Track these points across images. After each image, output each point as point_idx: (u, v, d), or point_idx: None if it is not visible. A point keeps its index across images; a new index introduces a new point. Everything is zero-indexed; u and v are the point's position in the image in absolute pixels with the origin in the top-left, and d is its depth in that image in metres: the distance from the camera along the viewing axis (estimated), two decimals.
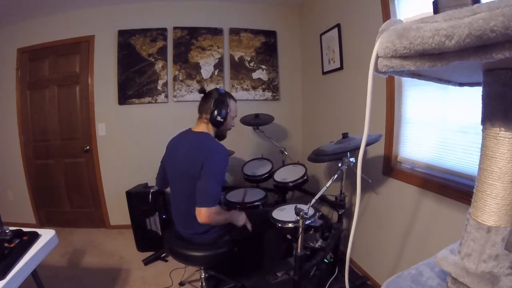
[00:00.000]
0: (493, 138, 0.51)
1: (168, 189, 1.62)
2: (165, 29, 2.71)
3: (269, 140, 2.54)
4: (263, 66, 2.90)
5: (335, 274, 1.79)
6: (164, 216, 2.38)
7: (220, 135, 1.55)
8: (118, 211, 2.79)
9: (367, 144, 1.29)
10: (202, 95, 1.52)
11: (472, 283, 0.53)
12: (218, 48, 2.80)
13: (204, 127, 1.47)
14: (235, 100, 1.56)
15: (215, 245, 1.47)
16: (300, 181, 2.03)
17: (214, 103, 1.43)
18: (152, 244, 2.37)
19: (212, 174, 1.34)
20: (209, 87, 2.79)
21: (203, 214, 1.31)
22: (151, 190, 2.34)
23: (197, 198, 1.33)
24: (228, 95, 1.51)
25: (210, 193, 1.33)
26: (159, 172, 1.66)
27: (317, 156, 1.55)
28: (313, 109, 2.81)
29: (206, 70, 2.80)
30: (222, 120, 1.44)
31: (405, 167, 1.65)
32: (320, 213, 1.61)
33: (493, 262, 0.53)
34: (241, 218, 1.53)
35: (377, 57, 0.50)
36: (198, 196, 1.33)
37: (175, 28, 2.73)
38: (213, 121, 1.44)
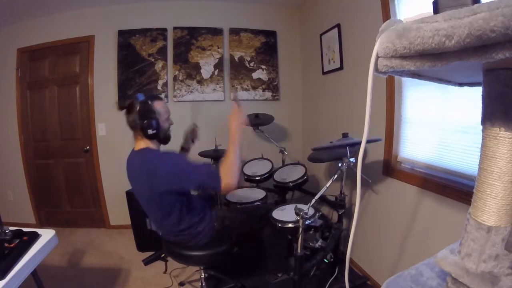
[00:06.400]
0: (493, 138, 0.51)
1: None
2: (165, 29, 2.71)
3: (269, 140, 2.54)
4: (263, 66, 2.89)
5: (335, 274, 1.79)
6: None
7: (164, 139, 1.41)
8: (118, 211, 2.79)
9: (366, 143, 1.29)
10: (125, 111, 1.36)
11: (472, 283, 0.53)
12: (218, 48, 2.80)
13: (143, 143, 1.34)
14: (161, 99, 1.40)
15: (215, 244, 1.47)
16: (300, 181, 2.03)
17: (140, 116, 1.28)
18: (152, 244, 2.36)
19: (185, 173, 1.25)
20: (209, 87, 2.80)
21: (226, 189, 1.23)
22: None
23: (210, 187, 1.28)
24: (150, 98, 1.33)
25: (205, 180, 1.25)
26: None
27: (317, 156, 1.55)
28: (313, 109, 2.81)
29: (206, 70, 2.79)
30: (155, 131, 1.31)
31: (405, 167, 1.65)
32: (320, 213, 1.61)
33: (493, 262, 0.53)
34: (237, 123, 1.32)
35: (377, 57, 0.50)
36: (208, 185, 1.27)
37: (175, 28, 2.73)
38: (148, 136, 1.31)
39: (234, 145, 1.29)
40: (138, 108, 1.29)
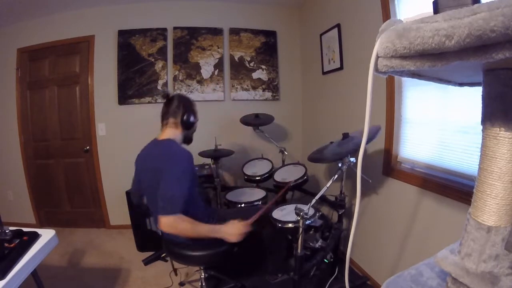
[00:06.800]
0: (493, 138, 0.51)
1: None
2: (165, 29, 2.71)
3: (269, 140, 2.54)
4: (263, 66, 2.89)
5: (335, 274, 1.79)
6: None
7: (189, 139, 1.50)
8: (118, 211, 2.79)
9: (368, 140, 1.29)
10: (165, 100, 1.44)
11: (472, 283, 0.53)
12: (218, 48, 2.80)
13: (171, 133, 1.38)
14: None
15: (215, 244, 1.46)
16: (300, 181, 2.02)
17: (184, 106, 1.40)
18: (152, 244, 2.36)
19: (171, 177, 1.22)
20: (209, 87, 2.80)
21: (162, 223, 1.18)
22: None
23: (158, 207, 1.20)
24: (191, 99, 1.50)
25: (168, 198, 1.19)
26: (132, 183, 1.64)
27: (318, 157, 1.55)
28: (313, 109, 2.81)
29: (206, 70, 2.79)
30: (194, 121, 1.43)
31: (405, 167, 1.65)
32: (320, 213, 1.61)
33: (493, 262, 0.53)
34: (233, 232, 1.29)
35: (377, 57, 0.50)
36: (158, 203, 1.20)
37: (175, 28, 2.73)
38: (186, 123, 1.39)
39: (215, 234, 1.30)
40: (182, 100, 1.42)
